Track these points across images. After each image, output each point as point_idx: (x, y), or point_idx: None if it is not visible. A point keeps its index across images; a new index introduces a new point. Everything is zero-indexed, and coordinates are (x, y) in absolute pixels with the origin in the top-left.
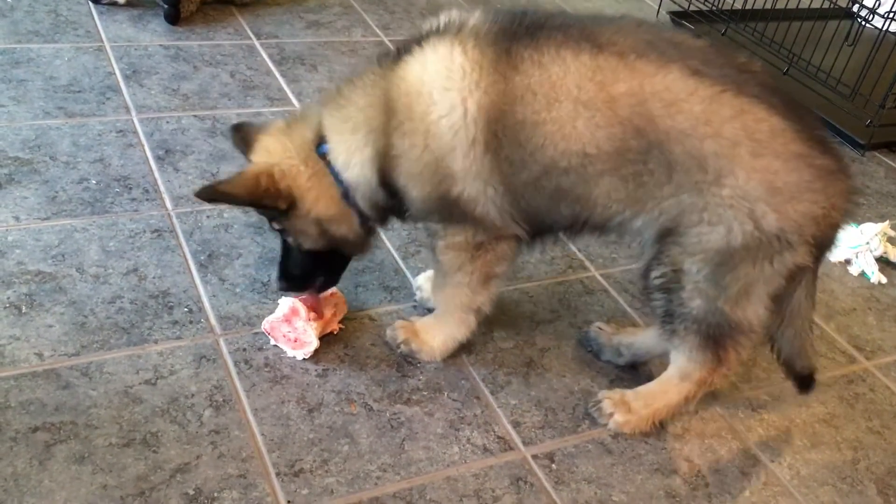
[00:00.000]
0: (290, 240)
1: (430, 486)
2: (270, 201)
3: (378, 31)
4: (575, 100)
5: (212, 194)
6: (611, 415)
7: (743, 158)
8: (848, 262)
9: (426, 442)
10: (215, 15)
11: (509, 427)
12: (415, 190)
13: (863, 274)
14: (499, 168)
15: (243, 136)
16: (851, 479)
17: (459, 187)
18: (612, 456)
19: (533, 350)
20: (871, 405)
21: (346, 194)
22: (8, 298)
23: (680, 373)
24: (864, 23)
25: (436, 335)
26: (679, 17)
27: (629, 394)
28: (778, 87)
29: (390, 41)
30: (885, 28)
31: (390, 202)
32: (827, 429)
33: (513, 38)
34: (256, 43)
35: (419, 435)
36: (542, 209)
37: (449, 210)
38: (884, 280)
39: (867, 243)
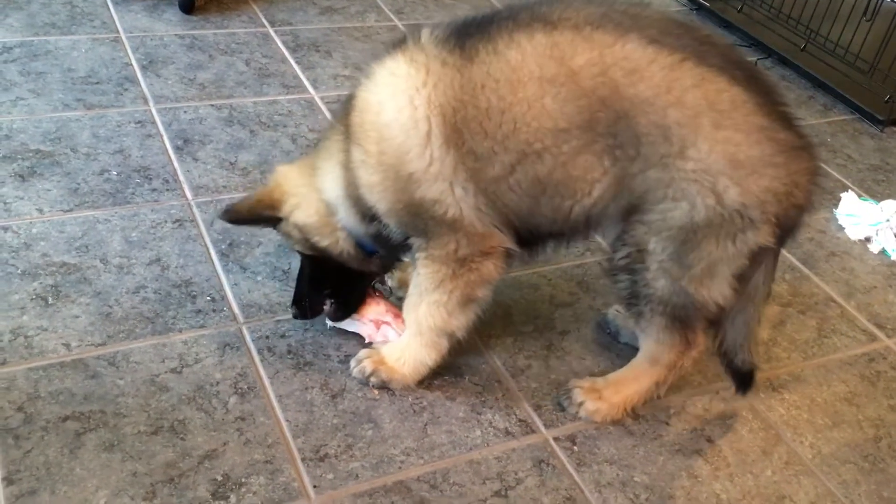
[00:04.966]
0: (293, 246)
1: (454, 470)
2: (267, 210)
3: (392, 15)
4: (539, 79)
5: (228, 217)
6: (581, 403)
7: (705, 129)
8: (868, 239)
9: (448, 426)
10: (229, 3)
11: (530, 410)
12: (382, 202)
13: (883, 251)
14: (464, 165)
15: None
16: (873, 458)
17: (422, 191)
18: (634, 437)
19: (553, 333)
20: (893, 383)
21: (333, 213)
22: (34, 290)
23: (649, 357)
24: None
25: (405, 361)
26: None
27: (599, 381)
28: (741, 59)
29: (404, 25)
30: None
31: (370, 228)
32: (848, 407)
33: (465, 36)
34: (271, 30)
35: (441, 419)
36: (522, 209)
37: (421, 218)
38: None
39: (887, 220)
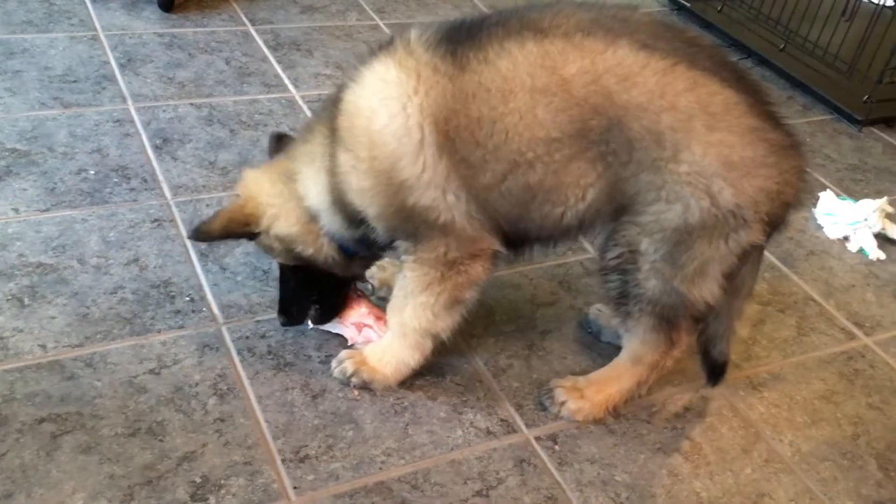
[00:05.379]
0: (275, 258)
1: (435, 470)
2: (243, 227)
3: (373, 14)
4: (530, 89)
5: (198, 237)
6: (563, 403)
7: (698, 132)
8: (846, 238)
9: (430, 426)
10: (209, 1)
11: (512, 410)
12: (372, 207)
13: (861, 250)
14: (456, 172)
15: (277, 148)
16: (852, 455)
17: (414, 197)
18: (615, 436)
19: (534, 333)
20: (871, 381)
21: (314, 220)
22: (10, 291)
23: (632, 357)
24: None
25: (387, 362)
26: None
27: (581, 380)
28: (729, 61)
29: (385, 24)
30: (881, 3)
31: (356, 232)
32: (827, 405)
33: (455, 42)
34: (251, 29)
35: (423, 419)
36: (512, 215)
37: (412, 223)
38: (882, 256)
39: (865, 220)
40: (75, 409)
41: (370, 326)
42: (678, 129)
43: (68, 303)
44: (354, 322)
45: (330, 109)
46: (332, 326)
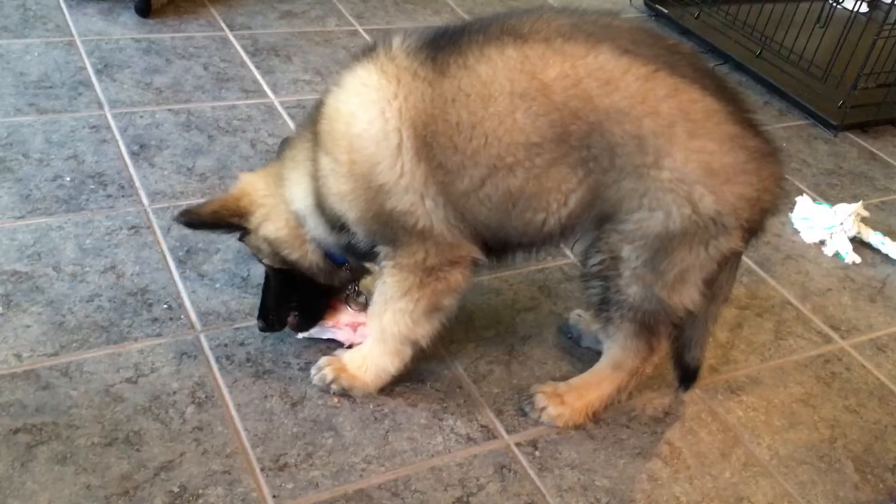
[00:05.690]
0: (262, 260)
1: (415, 477)
2: (233, 218)
3: (352, 20)
4: (510, 93)
5: (186, 219)
6: (543, 408)
7: (680, 138)
8: (822, 242)
9: (410, 433)
10: (187, 6)
11: (492, 415)
12: (352, 211)
13: (837, 254)
14: (434, 177)
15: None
16: (829, 458)
17: (392, 201)
18: (595, 441)
19: (514, 338)
20: (848, 384)
21: (301, 224)
22: None
23: (613, 363)
24: (835, 4)
25: (367, 369)
26: (653, 0)
27: (561, 386)
28: (708, 68)
29: (364, 30)
30: (856, 9)
31: (339, 238)
32: (804, 408)
33: (436, 48)
34: (229, 34)
35: (403, 426)
36: (492, 222)
37: (390, 228)
38: (858, 260)
39: (841, 224)
40: (51, 418)
41: (364, 325)
42: (660, 135)
43: (44, 311)
44: (348, 323)
45: (313, 115)
46: (323, 332)
